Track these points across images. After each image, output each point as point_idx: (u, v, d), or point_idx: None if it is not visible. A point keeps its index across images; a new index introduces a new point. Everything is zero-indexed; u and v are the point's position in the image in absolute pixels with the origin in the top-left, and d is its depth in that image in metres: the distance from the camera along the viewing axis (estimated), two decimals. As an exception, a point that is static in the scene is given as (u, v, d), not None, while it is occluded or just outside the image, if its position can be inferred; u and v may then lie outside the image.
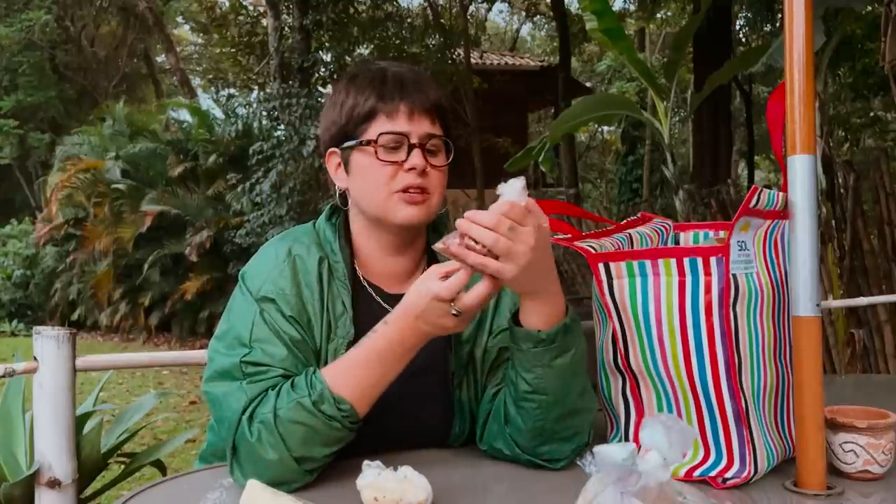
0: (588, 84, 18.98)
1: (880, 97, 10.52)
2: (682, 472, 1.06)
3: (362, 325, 1.10)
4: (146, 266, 10.51)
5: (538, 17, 20.40)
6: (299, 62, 9.66)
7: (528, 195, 0.98)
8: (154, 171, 11.37)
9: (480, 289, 1.00)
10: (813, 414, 1.01)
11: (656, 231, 1.27)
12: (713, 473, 1.06)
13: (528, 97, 16.38)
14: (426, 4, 12.32)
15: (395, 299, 1.07)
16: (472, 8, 14.00)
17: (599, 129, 21.69)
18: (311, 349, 1.12)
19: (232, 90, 17.70)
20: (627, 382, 1.13)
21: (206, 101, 20.29)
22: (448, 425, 1.21)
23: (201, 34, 21.24)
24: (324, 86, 10.26)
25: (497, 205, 0.96)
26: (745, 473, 1.04)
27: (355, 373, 1.04)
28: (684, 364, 1.05)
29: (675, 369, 1.06)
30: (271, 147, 8.89)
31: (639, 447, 0.79)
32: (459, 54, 11.80)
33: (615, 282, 1.10)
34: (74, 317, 12.08)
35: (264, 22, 12.33)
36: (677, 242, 1.29)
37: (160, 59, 22.21)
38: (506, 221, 0.95)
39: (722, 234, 1.24)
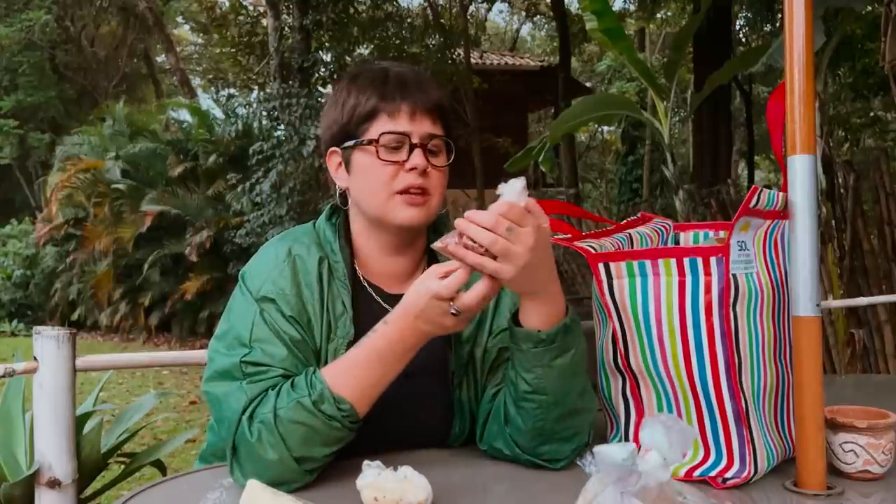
0: (588, 84, 18.98)
1: (880, 97, 10.52)
2: (682, 472, 1.06)
3: (362, 325, 1.10)
4: (146, 266, 10.52)
5: (538, 17, 20.41)
6: (299, 62, 9.66)
7: (528, 195, 0.98)
8: (154, 171, 11.37)
9: (480, 288, 1.00)
10: (813, 414, 1.01)
11: (656, 231, 1.27)
12: (713, 473, 1.06)
13: (528, 97, 16.38)
14: (426, 4, 12.32)
15: (395, 299, 1.07)
16: (472, 8, 14.00)
17: (599, 129, 21.70)
18: (311, 349, 1.12)
19: (232, 90, 17.72)
20: (627, 382, 1.13)
21: (206, 101, 20.32)
22: (448, 425, 1.21)
23: (201, 34, 21.25)
24: (324, 86, 10.26)
25: (496, 205, 0.97)
26: (745, 473, 1.04)
27: (355, 372, 1.04)
28: (684, 364, 1.05)
29: (675, 369, 1.06)
30: (271, 147, 8.90)
31: (639, 447, 0.79)
32: (459, 54, 11.80)
33: (615, 282, 1.10)
34: (74, 317, 12.09)
35: (264, 22, 12.34)
36: (677, 242, 1.29)
37: (160, 59, 22.22)
38: (504, 222, 0.95)
39: (722, 234, 1.24)
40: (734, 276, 1.03)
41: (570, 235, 1.18)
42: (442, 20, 12.21)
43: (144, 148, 11.38)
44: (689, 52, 9.33)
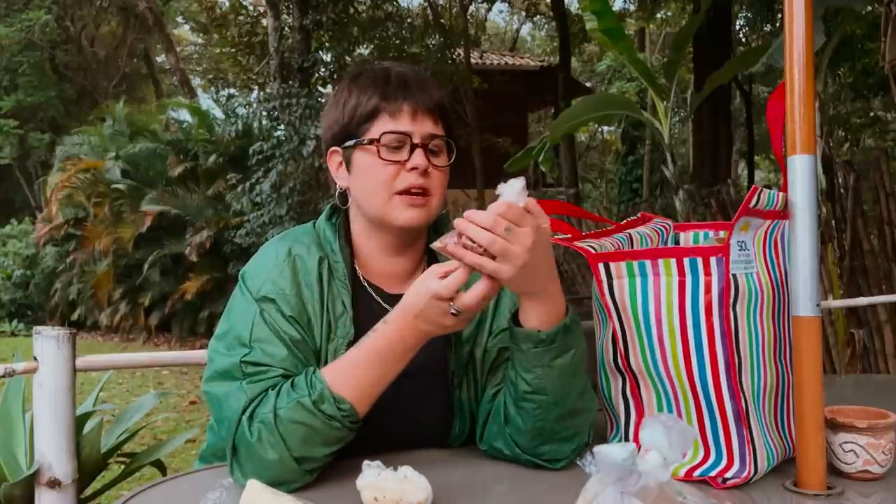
0: (588, 84, 18.98)
1: (880, 97, 10.52)
2: (682, 472, 1.06)
3: (362, 325, 1.10)
4: (146, 266, 10.52)
5: (538, 17, 20.40)
6: (299, 62, 9.66)
7: (528, 195, 0.98)
8: (154, 171, 11.37)
9: (479, 288, 1.00)
10: (813, 414, 1.01)
11: (656, 231, 1.27)
12: (713, 473, 1.06)
13: (528, 97, 16.38)
14: (426, 4, 12.32)
15: (395, 299, 1.07)
16: (472, 8, 14.00)
17: (599, 129, 21.70)
18: (311, 349, 1.12)
19: (232, 90, 17.72)
20: (627, 382, 1.13)
21: (206, 101, 20.32)
22: (448, 425, 1.21)
23: (201, 34, 21.25)
24: (324, 86, 10.26)
25: (495, 205, 0.97)
26: (745, 473, 1.04)
27: (355, 372, 1.04)
28: (684, 364, 1.05)
29: (675, 369, 1.06)
30: (271, 147, 8.90)
31: (639, 447, 0.79)
32: (459, 54, 11.79)
33: (615, 282, 1.10)
34: (74, 317, 12.09)
35: (264, 22, 12.34)
36: (677, 242, 1.29)
37: (160, 59, 22.21)
38: (502, 222, 0.95)
39: (722, 234, 1.24)
40: (734, 276, 1.03)
41: (570, 235, 1.18)
42: (442, 20, 12.21)
43: (144, 148, 11.38)
44: (689, 52, 9.33)
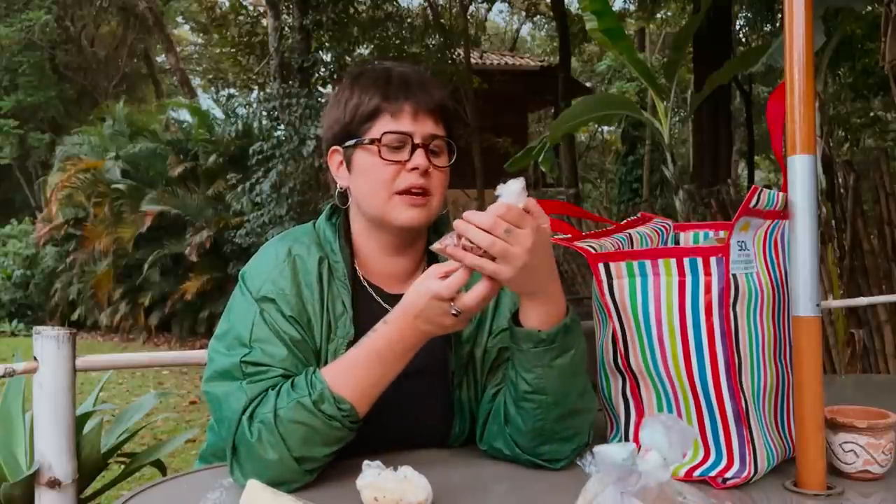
0: (588, 84, 18.97)
1: (880, 97, 10.52)
2: (682, 472, 1.06)
3: (362, 325, 1.10)
4: (146, 266, 10.52)
5: (538, 17, 20.40)
6: (299, 62, 9.66)
7: (528, 195, 0.99)
8: (154, 171, 11.37)
9: (480, 289, 1.00)
10: (813, 414, 1.01)
11: (656, 231, 1.27)
12: (713, 473, 1.06)
13: (528, 97, 16.38)
14: (426, 4, 12.32)
15: (395, 299, 1.07)
16: (472, 8, 14.00)
17: (599, 129, 21.70)
18: (311, 349, 1.12)
19: (232, 90, 17.72)
20: (627, 382, 1.13)
21: (206, 101, 20.32)
22: (448, 425, 1.21)
23: (201, 34, 21.25)
24: (324, 86, 10.26)
25: (494, 206, 0.97)
26: (745, 473, 1.04)
27: (355, 372, 1.04)
28: (684, 364, 1.05)
29: (675, 369, 1.06)
30: (271, 147, 8.90)
31: (639, 447, 0.79)
32: (459, 54, 11.79)
33: (615, 282, 1.10)
34: (74, 317, 12.09)
35: (264, 22, 12.34)
36: (677, 242, 1.29)
37: (160, 59, 22.21)
38: (502, 223, 0.95)
39: (722, 234, 1.24)
40: (734, 276, 1.03)
41: (570, 235, 1.18)
42: (442, 20, 12.21)
43: (144, 148, 11.38)
44: (689, 52, 9.33)
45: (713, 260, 1.03)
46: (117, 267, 11.17)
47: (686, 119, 16.03)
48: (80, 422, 1.91)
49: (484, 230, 0.96)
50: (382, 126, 1.15)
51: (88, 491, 2.22)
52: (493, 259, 0.97)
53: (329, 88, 10.38)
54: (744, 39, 14.52)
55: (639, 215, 1.29)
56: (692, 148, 13.29)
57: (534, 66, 16.12)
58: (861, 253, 4.10)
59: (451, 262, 1.01)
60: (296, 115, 8.74)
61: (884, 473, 1.07)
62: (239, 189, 9.64)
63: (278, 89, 9.25)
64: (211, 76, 22.40)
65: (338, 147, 1.21)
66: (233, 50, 15.04)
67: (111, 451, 2.32)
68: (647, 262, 1.07)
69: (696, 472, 1.07)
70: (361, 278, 1.21)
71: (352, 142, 1.17)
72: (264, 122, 9.97)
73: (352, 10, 10.61)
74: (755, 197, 1.03)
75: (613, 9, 7.57)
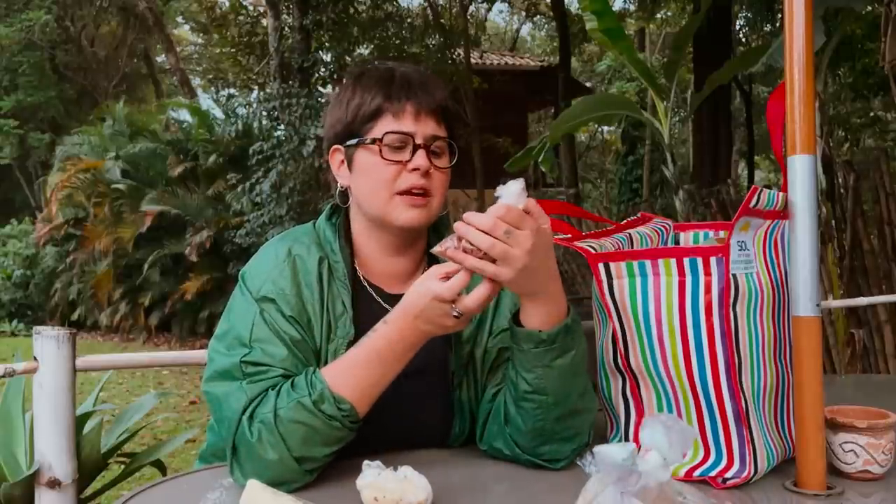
0: (588, 84, 18.98)
1: (880, 97, 10.52)
2: (682, 472, 1.06)
3: (362, 325, 1.10)
4: (146, 266, 10.52)
5: (538, 17, 20.40)
6: (299, 62, 9.66)
7: (528, 195, 0.98)
8: (154, 171, 11.38)
9: (481, 290, 1.00)
10: (813, 414, 1.01)
11: (656, 231, 1.27)
12: (713, 473, 1.06)
13: (528, 97, 16.38)
14: (426, 4, 12.32)
15: (395, 299, 1.07)
16: (472, 8, 14.00)
17: (599, 129, 21.70)
18: (311, 349, 1.12)
19: (232, 90, 17.72)
20: (627, 382, 1.13)
21: (206, 101, 20.33)
22: (448, 425, 1.21)
23: (201, 34, 21.25)
24: (324, 86, 10.26)
25: (494, 208, 0.97)
26: (745, 473, 1.04)
27: (355, 372, 1.04)
28: (684, 364, 1.05)
29: (675, 369, 1.06)
30: (271, 147, 8.90)
31: (639, 447, 0.79)
32: (459, 54, 11.79)
33: (615, 282, 1.10)
34: (74, 317, 12.09)
35: (264, 22, 12.34)
36: (677, 242, 1.29)
37: (160, 59, 22.21)
38: (502, 225, 0.95)
39: (722, 234, 1.24)
40: (734, 276, 1.03)
41: (570, 235, 1.18)
42: (442, 20, 12.21)
43: (144, 148, 11.38)
44: (689, 52, 9.33)
45: (713, 260, 1.03)
46: (117, 267, 11.17)
47: (686, 119, 16.03)
48: (80, 422, 1.91)
49: (484, 232, 0.96)
50: (384, 126, 1.15)
51: (88, 491, 2.22)
52: (494, 261, 0.97)
53: (329, 88, 10.38)
54: (744, 39, 14.53)
55: (639, 215, 1.29)
56: (692, 148, 13.30)
57: (534, 66, 16.12)
58: (861, 253, 4.10)
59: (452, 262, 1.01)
60: (296, 115, 8.74)
61: (884, 473, 1.07)
62: (239, 189, 9.64)
63: (278, 89, 9.25)
64: (211, 76, 22.40)
65: (339, 146, 1.21)
66: (233, 50, 15.05)
67: (111, 451, 2.32)
68: (647, 262, 1.07)
69: (696, 472, 1.06)
70: (361, 278, 1.21)
71: (353, 141, 1.17)
72: (264, 122, 9.98)
73: (352, 10, 10.62)
74: (755, 197, 1.03)
75: (613, 9, 7.57)
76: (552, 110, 16.20)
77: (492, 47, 20.09)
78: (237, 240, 9.38)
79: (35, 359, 1.40)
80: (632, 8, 16.24)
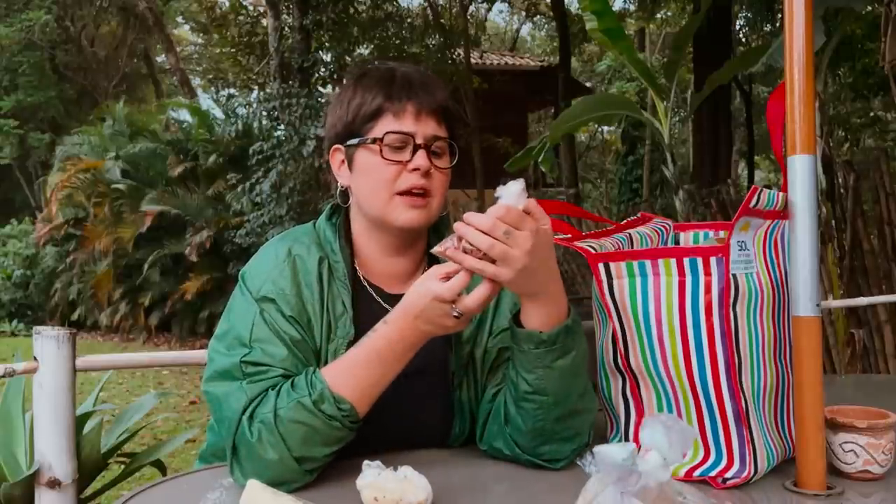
0: (588, 84, 18.98)
1: (880, 97, 10.52)
2: (682, 472, 1.06)
3: (362, 326, 1.10)
4: (146, 266, 10.52)
5: (538, 17, 20.40)
6: (299, 62, 9.66)
7: (528, 195, 0.99)
8: (154, 171, 11.37)
9: (481, 291, 1.00)
10: (813, 414, 1.01)
11: (656, 231, 1.27)
12: (713, 473, 1.06)
13: (528, 97, 16.38)
14: (426, 4, 12.32)
15: (395, 299, 1.07)
16: (472, 8, 13.99)
17: (599, 129, 21.70)
18: (311, 349, 1.12)
19: (232, 90, 17.72)
20: (627, 382, 1.13)
21: (206, 101, 20.33)
22: (448, 425, 1.21)
23: (201, 34, 21.25)
24: (324, 86, 10.26)
25: (493, 208, 0.97)
26: (745, 473, 1.04)
27: (355, 372, 1.04)
28: (684, 364, 1.05)
29: (675, 369, 1.06)
30: (271, 147, 8.90)
31: (639, 447, 0.79)
32: (459, 54, 11.79)
33: (615, 282, 1.10)
34: (74, 317, 12.09)
35: (264, 22, 12.34)
36: (677, 242, 1.29)
37: (160, 59, 22.21)
38: (501, 226, 0.95)
39: (722, 234, 1.24)
40: (734, 276, 1.03)
41: (570, 235, 1.18)
42: (442, 20, 12.21)
43: (144, 148, 11.38)
44: (689, 52, 9.33)
45: (713, 260, 1.03)
46: (117, 267, 11.17)
47: (686, 119, 16.03)
48: (80, 422, 1.91)
49: (483, 232, 0.96)
50: (385, 126, 1.15)
51: (88, 491, 2.22)
52: (493, 261, 0.97)
53: (329, 88, 10.39)
54: (744, 39, 14.53)
55: (639, 215, 1.29)
56: (692, 148, 13.30)
57: (534, 66, 16.12)
58: (861, 253, 4.10)
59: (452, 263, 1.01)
60: (296, 115, 8.74)
61: (884, 473, 1.07)
62: (239, 189, 9.64)
63: (278, 89, 9.25)
64: (211, 76, 22.40)
65: (340, 146, 1.21)
66: (233, 50, 15.05)
67: (111, 451, 2.32)
68: (647, 262, 1.07)
69: (696, 472, 1.06)
70: (362, 278, 1.21)
71: (354, 141, 1.17)
72: (264, 122, 9.98)
73: (352, 10, 10.62)
74: (755, 197, 1.03)
75: (613, 9, 7.57)
76: (552, 110, 16.20)
77: (492, 47, 20.09)
78: (237, 240, 9.38)
79: (35, 359, 1.40)
80: (632, 8, 16.24)
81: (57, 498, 1.41)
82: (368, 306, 1.18)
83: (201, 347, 2.17)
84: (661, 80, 6.26)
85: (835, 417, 1.07)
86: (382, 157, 1.14)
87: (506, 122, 13.11)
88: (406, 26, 11.88)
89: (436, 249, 1.01)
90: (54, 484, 1.40)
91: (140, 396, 4.31)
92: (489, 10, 18.13)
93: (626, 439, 1.14)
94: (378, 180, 1.15)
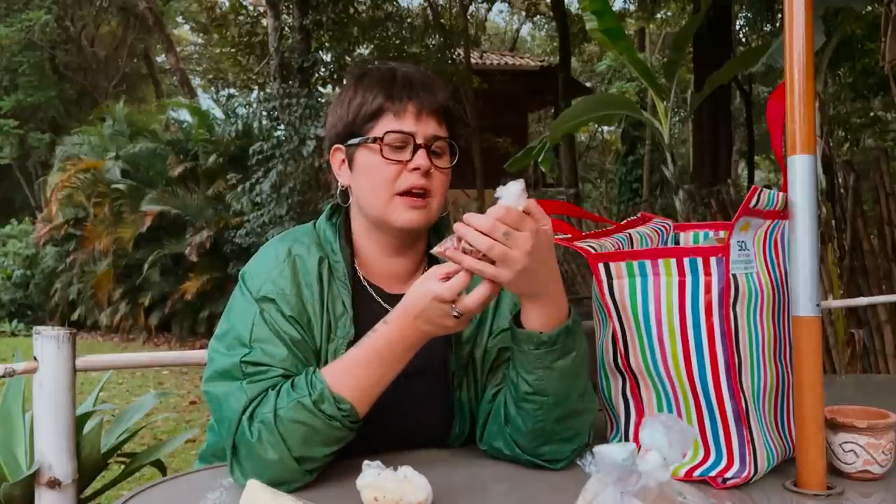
0: (588, 84, 18.97)
1: (880, 97, 10.52)
2: (682, 472, 1.06)
3: (362, 326, 1.10)
4: (146, 266, 10.52)
5: (538, 17, 20.40)
6: (299, 62, 9.66)
7: (528, 195, 0.98)
8: (154, 171, 11.37)
9: (481, 291, 1.00)
10: (813, 414, 1.02)
11: (656, 231, 1.27)
12: (713, 473, 1.06)
13: (528, 97, 16.38)
14: (426, 4, 12.32)
15: (395, 299, 1.07)
16: (472, 8, 13.99)
17: (599, 129, 21.70)
18: (311, 349, 1.12)
19: (232, 90, 17.72)
20: (627, 382, 1.13)
21: (206, 101, 20.32)
22: (448, 425, 1.22)
23: (201, 34, 21.25)
24: (324, 86, 10.26)
25: (493, 209, 0.97)
26: (745, 473, 1.04)
27: (355, 372, 1.04)
28: (684, 364, 1.05)
29: (675, 369, 1.06)
30: (271, 147, 8.90)
31: (639, 447, 0.79)
32: (459, 54, 11.79)
33: (615, 282, 1.10)
34: (74, 317, 12.08)
35: (264, 22, 12.34)
36: (677, 242, 1.29)
37: (160, 59, 22.21)
38: (501, 226, 0.95)
39: (722, 234, 1.24)
40: (734, 276, 1.03)
41: (570, 235, 1.18)
42: (442, 20, 12.21)
43: (144, 148, 11.38)
44: (689, 52, 9.33)
45: (713, 260, 1.03)
46: (117, 267, 11.17)
47: (686, 119, 16.03)
48: (80, 422, 1.91)
49: (483, 233, 0.96)
50: (385, 125, 1.15)
51: (88, 491, 2.22)
52: (493, 262, 0.97)
53: (329, 88, 10.39)
54: (744, 39, 14.52)
55: (639, 215, 1.29)
56: (692, 148, 13.30)
57: (534, 66, 16.12)
58: (861, 253, 4.11)
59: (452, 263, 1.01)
60: (296, 115, 8.74)
61: (884, 473, 1.07)
62: (239, 189, 9.64)
63: (278, 89, 9.25)
64: (211, 76, 22.40)
65: (340, 145, 1.21)
66: (233, 50, 15.05)
67: (111, 451, 2.32)
68: (647, 262, 1.07)
69: (696, 472, 1.07)
70: (362, 278, 1.21)
71: (354, 140, 1.17)
72: (264, 122, 9.98)
73: (352, 10, 10.62)
74: (755, 197, 1.03)
75: (613, 9, 7.57)
76: (552, 110, 16.20)
77: (492, 47, 20.09)
78: (237, 240, 9.38)
79: (35, 359, 1.40)
80: (632, 8, 16.24)
81: (57, 498, 1.41)
82: (368, 306, 1.18)
83: (201, 347, 2.17)
84: (661, 80, 6.26)
85: (835, 417, 1.07)
86: (383, 156, 1.14)
87: (506, 122, 13.11)
88: (406, 26, 11.88)
89: (436, 250, 1.01)
90: (54, 484, 1.40)
91: (140, 396, 4.31)
92: (489, 10, 18.14)
93: (626, 439, 1.14)
94: (378, 180, 1.15)
